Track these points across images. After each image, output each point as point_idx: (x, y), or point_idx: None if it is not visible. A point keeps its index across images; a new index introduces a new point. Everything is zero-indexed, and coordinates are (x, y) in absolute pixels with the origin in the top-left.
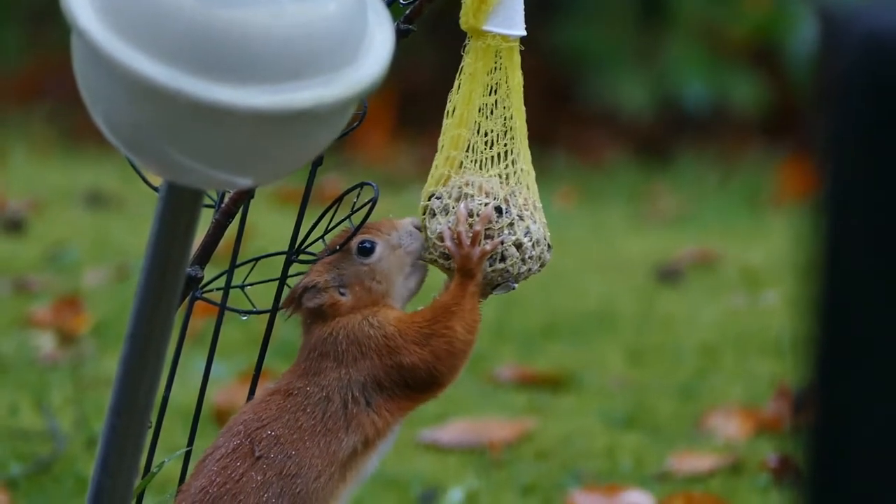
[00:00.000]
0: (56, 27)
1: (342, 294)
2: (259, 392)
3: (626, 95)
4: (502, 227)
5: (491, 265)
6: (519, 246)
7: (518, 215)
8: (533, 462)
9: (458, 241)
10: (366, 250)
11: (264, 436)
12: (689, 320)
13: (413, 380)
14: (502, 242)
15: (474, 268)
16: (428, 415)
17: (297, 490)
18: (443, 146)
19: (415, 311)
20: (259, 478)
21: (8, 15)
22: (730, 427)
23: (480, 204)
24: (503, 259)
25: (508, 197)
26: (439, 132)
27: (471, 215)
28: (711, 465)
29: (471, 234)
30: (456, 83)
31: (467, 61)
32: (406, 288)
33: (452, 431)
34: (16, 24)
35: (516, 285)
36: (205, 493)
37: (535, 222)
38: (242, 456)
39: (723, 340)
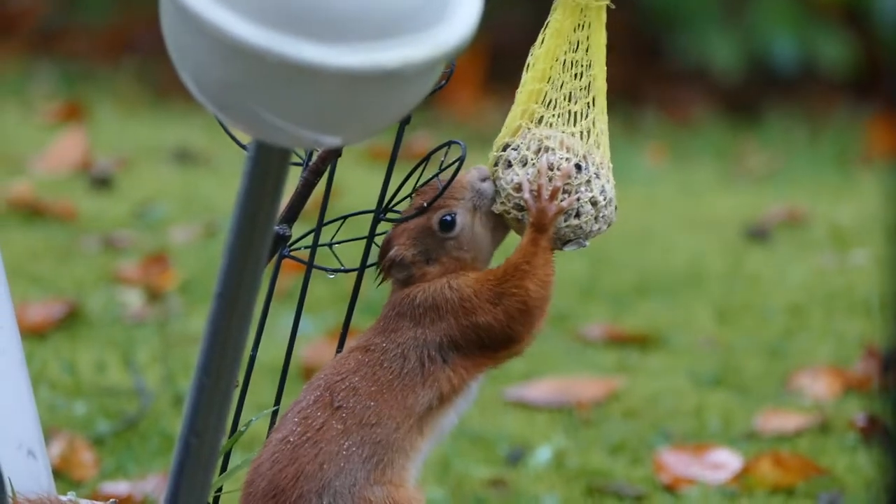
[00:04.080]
0: None
1: (430, 265)
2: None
3: (715, 53)
4: (580, 184)
5: (565, 220)
6: (594, 203)
7: (595, 173)
8: (621, 421)
9: (536, 193)
10: (447, 224)
11: (343, 387)
12: (778, 279)
13: (489, 338)
14: (578, 199)
15: (548, 222)
16: (515, 372)
17: (378, 439)
18: (520, 99)
19: (489, 269)
20: (339, 426)
21: None
22: (817, 386)
23: (561, 158)
24: (578, 215)
25: (587, 154)
26: None
27: (550, 169)
28: (799, 425)
29: (550, 189)
30: (539, 38)
31: (554, 17)
32: (495, 242)
33: (540, 389)
34: None
35: (587, 243)
36: (286, 443)
37: (608, 182)
38: (322, 406)
39: (811, 300)
